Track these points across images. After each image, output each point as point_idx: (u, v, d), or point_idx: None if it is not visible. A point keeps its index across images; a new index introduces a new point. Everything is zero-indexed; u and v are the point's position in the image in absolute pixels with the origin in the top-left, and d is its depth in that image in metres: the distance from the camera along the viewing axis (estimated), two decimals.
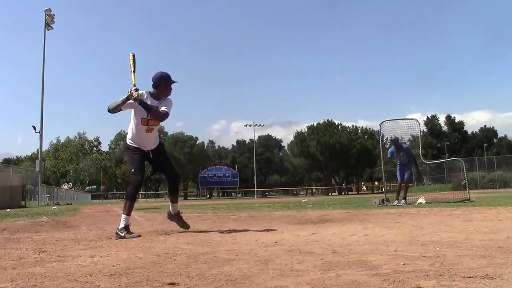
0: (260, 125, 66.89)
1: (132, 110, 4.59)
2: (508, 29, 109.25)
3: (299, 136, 68.33)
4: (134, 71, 4.60)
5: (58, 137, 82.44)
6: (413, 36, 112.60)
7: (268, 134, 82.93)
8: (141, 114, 4.57)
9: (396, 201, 10.07)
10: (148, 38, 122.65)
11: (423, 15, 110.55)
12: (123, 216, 4.49)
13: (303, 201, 16.17)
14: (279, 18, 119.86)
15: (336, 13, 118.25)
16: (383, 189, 14.00)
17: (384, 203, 9.72)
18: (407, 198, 10.09)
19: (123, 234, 4.36)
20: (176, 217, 5.05)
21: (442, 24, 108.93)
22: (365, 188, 78.46)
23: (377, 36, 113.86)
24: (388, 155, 10.64)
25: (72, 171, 75.84)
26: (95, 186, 76.28)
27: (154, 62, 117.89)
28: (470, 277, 2.02)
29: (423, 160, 10.11)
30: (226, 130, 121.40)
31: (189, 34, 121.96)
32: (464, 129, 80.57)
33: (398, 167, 10.51)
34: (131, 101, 4.39)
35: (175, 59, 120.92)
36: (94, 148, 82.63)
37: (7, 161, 69.99)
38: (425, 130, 72.39)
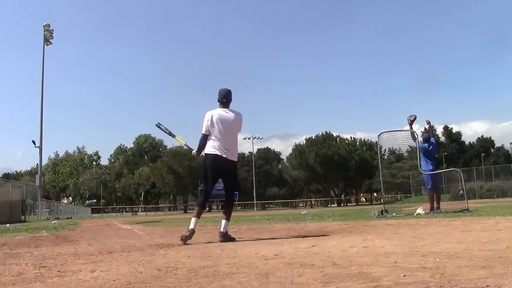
0: (259, 138, 66.88)
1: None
2: (508, 37, 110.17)
3: (297, 148, 68.45)
4: (173, 135, 5.69)
5: (57, 151, 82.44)
6: (411, 44, 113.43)
7: (267, 147, 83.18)
8: None
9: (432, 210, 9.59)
10: (149, 47, 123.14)
11: (420, 23, 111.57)
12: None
13: (302, 213, 16.08)
14: (280, 28, 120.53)
15: (335, 20, 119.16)
16: (382, 200, 13.97)
17: (383, 214, 9.66)
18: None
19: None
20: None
21: (440, 31, 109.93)
22: (364, 200, 78.38)
23: (375, 46, 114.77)
24: (429, 146, 10.14)
25: (71, 185, 75.70)
26: (95, 200, 76.09)
27: (154, 73, 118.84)
28: None
29: (421, 171, 10.07)
30: None
31: (186, 45, 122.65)
32: (462, 139, 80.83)
33: (431, 170, 9.97)
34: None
35: (173, 72, 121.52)
36: (94, 162, 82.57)
37: (7, 176, 69.86)
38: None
